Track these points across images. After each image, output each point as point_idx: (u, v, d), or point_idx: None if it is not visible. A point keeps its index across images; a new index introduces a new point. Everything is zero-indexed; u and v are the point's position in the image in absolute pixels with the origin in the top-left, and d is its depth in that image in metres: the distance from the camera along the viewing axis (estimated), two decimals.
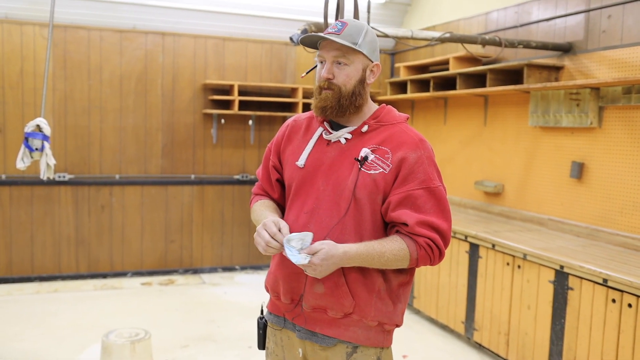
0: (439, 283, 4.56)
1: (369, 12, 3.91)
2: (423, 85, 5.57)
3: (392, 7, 6.28)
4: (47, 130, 3.73)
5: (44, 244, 5.65)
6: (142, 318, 4.70)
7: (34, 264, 5.63)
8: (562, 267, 3.38)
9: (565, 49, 4.18)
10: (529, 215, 4.49)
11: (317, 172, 1.83)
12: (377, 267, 1.75)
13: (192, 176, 6.10)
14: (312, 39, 1.83)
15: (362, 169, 1.77)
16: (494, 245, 3.96)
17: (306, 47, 1.91)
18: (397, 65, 6.09)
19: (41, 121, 3.71)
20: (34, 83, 5.48)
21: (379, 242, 1.73)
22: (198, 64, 6.00)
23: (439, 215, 1.76)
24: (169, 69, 5.92)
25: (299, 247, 1.66)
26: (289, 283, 1.84)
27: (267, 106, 6.16)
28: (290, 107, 6.22)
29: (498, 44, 4.23)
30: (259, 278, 6.06)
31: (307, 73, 2.10)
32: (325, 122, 1.88)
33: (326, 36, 1.78)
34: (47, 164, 3.76)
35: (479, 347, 4.23)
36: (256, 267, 6.40)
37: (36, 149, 3.71)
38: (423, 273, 4.76)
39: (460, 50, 5.06)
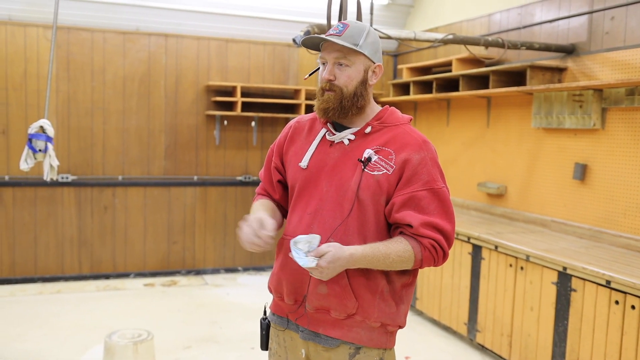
0: (442, 284, 4.56)
1: (371, 13, 3.92)
2: (426, 87, 5.56)
3: (395, 9, 6.29)
4: (50, 131, 3.74)
5: (47, 244, 5.66)
6: (144, 319, 4.71)
7: (37, 265, 5.64)
8: (565, 268, 3.38)
9: (568, 51, 4.18)
10: (532, 217, 4.49)
11: (321, 173, 1.83)
12: (381, 269, 1.75)
13: (195, 177, 6.10)
14: (313, 40, 1.83)
15: (366, 170, 1.77)
16: (496, 247, 3.95)
17: (309, 49, 1.91)
18: (399, 66, 6.09)
19: (45, 122, 3.72)
20: (38, 84, 5.49)
21: (384, 244, 1.73)
22: (201, 65, 6.01)
23: (443, 216, 1.76)
24: (172, 70, 5.93)
25: (306, 250, 1.65)
26: (292, 284, 1.85)
27: (269, 107, 6.16)
28: (293, 109, 6.23)
29: (501, 45, 4.23)
30: (261, 279, 6.06)
31: (310, 75, 2.10)
32: (328, 123, 1.88)
33: (327, 37, 1.78)
34: (50, 165, 3.77)
35: (482, 348, 4.23)
36: (259, 269, 6.40)
37: (39, 150, 3.72)
38: (426, 274, 4.76)
39: (463, 51, 5.06)
